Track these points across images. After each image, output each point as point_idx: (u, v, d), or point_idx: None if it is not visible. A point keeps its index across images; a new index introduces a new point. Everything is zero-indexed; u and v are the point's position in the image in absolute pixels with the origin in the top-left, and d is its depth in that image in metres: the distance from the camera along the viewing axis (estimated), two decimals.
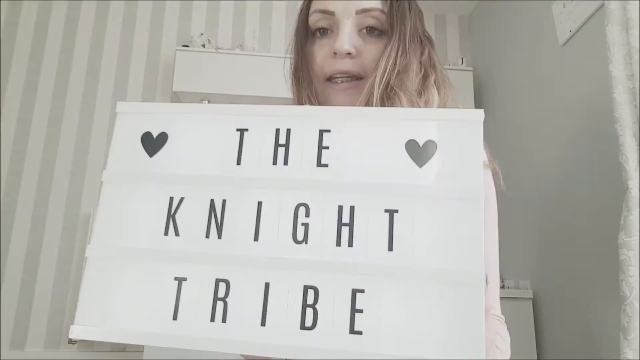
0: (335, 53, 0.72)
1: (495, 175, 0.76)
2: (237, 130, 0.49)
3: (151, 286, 0.46)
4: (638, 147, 1.34)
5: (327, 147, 0.47)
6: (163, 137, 0.50)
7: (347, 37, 0.72)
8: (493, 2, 2.63)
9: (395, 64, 0.72)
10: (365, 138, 0.47)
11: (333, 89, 0.74)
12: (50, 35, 2.68)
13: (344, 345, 0.42)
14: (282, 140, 0.48)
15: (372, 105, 0.69)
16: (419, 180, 0.45)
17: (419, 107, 0.70)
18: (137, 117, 0.51)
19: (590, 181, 1.75)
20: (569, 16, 1.90)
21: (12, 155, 2.51)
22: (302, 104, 0.78)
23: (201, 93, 2.49)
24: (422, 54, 0.75)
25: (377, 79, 0.70)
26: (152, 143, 0.50)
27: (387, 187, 0.45)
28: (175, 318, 0.44)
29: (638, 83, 1.34)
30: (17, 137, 2.53)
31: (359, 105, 0.71)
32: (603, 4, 1.55)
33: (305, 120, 0.48)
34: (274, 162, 0.47)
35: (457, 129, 0.46)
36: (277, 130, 0.48)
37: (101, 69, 2.67)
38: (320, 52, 0.75)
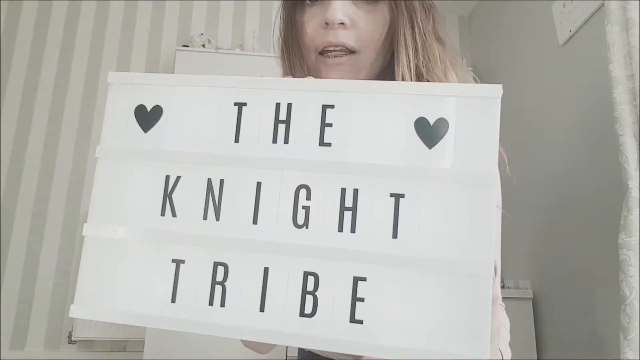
0: (326, 23, 0.64)
1: (500, 159, 0.72)
2: (235, 104, 0.46)
3: (149, 268, 0.45)
4: (638, 147, 1.34)
5: (330, 125, 0.44)
6: (157, 111, 0.48)
7: (339, 6, 0.64)
8: (493, 2, 2.63)
9: (416, 48, 0.65)
10: (371, 115, 0.44)
11: (325, 65, 0.67)
12: (50, 35, 2.68)
13: (343, 334, 0.41)
14: (282, 116, 0.45)
15: None
16: (428, 163, 0.42)
17: None
18: (129, 88, 0.49)
19: (590, 181, 1.74)
20: (569, 16, 1.90)
21: (12, 155, 2.51)
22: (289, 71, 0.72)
23: None
24: (430, 23, 0.68)
25: (406, 73, 0.64)
26: (146, 117, 0.48)
27: (393, 169, 0.43)
28: (173, 301, 0.44)
29: (638, 83, 1.34)
30: (17, 137, 2.53)
31: None
32: (603, 4, 1.55)
33: (307, 95, 0.45)
34: (274, 140, 0.45)
35: (472, 106, 0.42)
36: (278, 105, 0.46)
37: (101, 69, 2.67)
38: (311, 22, 0.67)
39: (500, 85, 0.42)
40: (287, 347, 1.85)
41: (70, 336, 2.28)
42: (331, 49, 0.65)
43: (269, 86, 0.46)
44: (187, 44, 2.61)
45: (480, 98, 0.42)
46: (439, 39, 0.69)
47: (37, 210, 2.46)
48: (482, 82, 0.70)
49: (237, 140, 0.46)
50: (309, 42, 0.68)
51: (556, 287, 1.93)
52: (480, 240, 0.40)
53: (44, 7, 2.71)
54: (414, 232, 0.41)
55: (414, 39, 0.65)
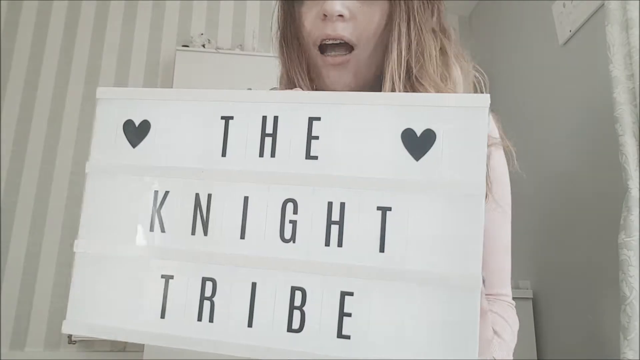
0: (325, 15, 0.62)
1: (508, 154, 0.70)
2: (222, 118, 0.46)
3: (139, 283, 0.45)
4: (638, 147, 1.34)
5: (316, 137, 0.44)
6: (145, 126, 0.48)
7: None
8: (493, 2, 2.63)
9: (409, 44, 0.63)
10: (357, 127, 0.44)
11: (324, 62, 0.65)
12: (50, 35, 2.68)
13: (331, 349, 0.41)
14: (269, 129, 0.45)
15: None
16: (415, 175, 0.42)
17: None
18: (117, 103, 0.49)
19: (590, 181, 1.74)
20: (569, 16, 1.90)
21: (12, 155, 2.51)
22: (290, 78, 0.70)
23: None
24: (432, 16, 0.66)
25: (395, 69, 0.62)
26: (135, 132, 0.48)
27: (380, 182, 0.42)
28: (163, 316, 0.44)
29: (638, 83, 1.34)
30: (17, 137, 2.53)
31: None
32: (603, 4, 1.55)
33: (293, 107, 0.45)
34: (261, 154, 0.45)
35: (459, 117, 0.42)
36: (264, 118, 0.45)
37: (101, 69, 2.67)
38: (309, 15, 0.65)
39: (488, 95, 0.42)
40: None
41: (70, 336, 2.28)
42: (329, 42, 0.64)
43: (256, 99, 0.46)
44: (187, 44, 2.61)
45: (467, 108, 0.42)
46: (443, 31, 0.68)
47: (37, 210, 2.46)
48: (482, 82, 0.69)
49: (224, 154, 0.46)
50: (307, 35, 0.66)
51: (556, 287, 1.93)
52: (469, 253, 0.40)
53: (44, 7, 2.71)
54: (402, 245, 0.41)
55: (409, 33, 0.63)
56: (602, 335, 1.63)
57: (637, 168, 1.33)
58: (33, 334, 2.34)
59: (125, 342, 2.36)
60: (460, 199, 0.41)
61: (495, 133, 0.69)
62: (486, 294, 0.68)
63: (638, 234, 1.31)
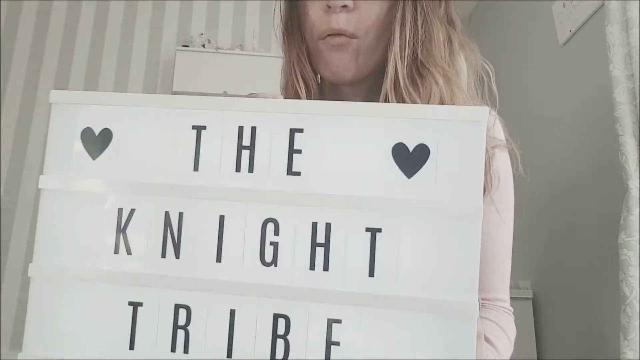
0: (329, 7, 0.61)
1: (513, 157, 0.68)
2: (193, 127, 0.42)
3: (103, 311, 0.41)
4: (638, 147, 1.34)
5: (299, 151, 0.40)
6: (107, 135, 0.43)
7: None
8: (493, 2, 2.63)
9: (415, 28, 0.62)
10: (344, 140, 0.40)
11: (326, 45, 0.63)
12: (50, 35, 2.68)
13: None
14: (246, 141, 0.41)
15: (399, 90, 0.59)
16: (407, 194, 0.39)
17: (455, 83, 0.60)
18: (74, 109, 0.44)
19: (590, 181, 1.74)
20: (569, 16, 1.90)
21: (12, 156, 2.51)
22: (291, 68, 0.68)
23: (201, 93, 2.50)
24: (440, 7, 0.65)
25: (397, 52, 0.60)
26: (94, 142, 0.43)
27: (369, 201, 0.39)
28: (132, 347, 0.40)
29: (638, 83, 1.34)
30: (17, 137, 2.53)
31: (383, 92, 0.61)
32: (603, 4, 1.55)
33: (273, 117, 0.41)
34: (237, 169, 0.41)
35: (455, 131, 0.39)
36: (241, 129, 0.41)
37: (101, 69, 2.67)
38: (313, 6, 0.64)
39: (487, 109, 0.40)
40: None
41: None
42: (334, 34, 0.62)
43: (231, 107, 0.42)
44: (187, 44, 2.62)
45: (464, 122, 0.39)
46: (449, 21, 0.66)
47: (37, 210, 2.45)
48: (489, 71, 0.68)
49: (196, 168, 0.41)
50: (310, 26, 0.65)
51: (556, 287, 1.93)
52: (464, 279, 0.38)
53: (44, 7, 2.71)
54: (393, 269, 0.38)
55: (415, 17, 0.62)
56: (602, 335, 1.63)
57: (637, 168, 1.33)
58: None
59: None
60: (455, 221, 0.38)
61: (501, 135, 0.68)
62: (482, 299, 0.66)
63: (638, 234, 1.31)
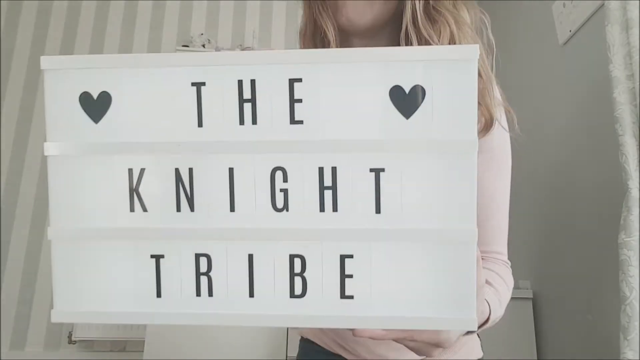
0: None
1: (509, 118, 0.73)
2: (193, 84, 0.42)
3: (128, 265, 0.43)
4: (638, 147, 1.34)
5: (299, 100, 0.42)
6: (106, 98, 0.43)
7: None
8: (493, 2, 2.63)
9: None
10: (343, 86, 0.42)
11: None
12: (50, 35, 2.68)
13: (336, 310, 0.41)
14: (246, 95, 0.42)
15: (417, 26, 0.63)
16: (407, 134, 0.41)
17: (465, 24, 0.65)
18: (69, 74, 0.43)
19: (590, 181, 1.74)
20: (569, 16, 1.90)
21: (12, 156, 2.51)
22: (310, 18, 0.71)
23: None
24: None
25: None
26: (94, 106, 0.43)
27: (371, 143, 0.41)
28: (159, 295, 0.42)
29: (638, 83, 1.34)
30: (17, 137, 2.53)
31: (403, 28, 0.64)
32: (603, 4, 1.55)
33: (271, 69, 0.42)
34: (241, 122, 0.42)
35: (448, 70, 0.41)
36: (240, 82, 0.42)
37: None
38: None
39: (477, 46, 0.41)
40: (286, 347, 1.85)
41: (70, 336, 2.28)
42: None
43: (228, 62, 0.43)
44: (187, 44, 2.62)
45: (456, 61, 0.41)
46: None
47: (37, 210, 2.46)
48: (486, 22, 0.73)
49: (200, 124, 0.43)
50: None
51: (556, 287, 1.92)
52: (463, 208, 0.41)
53: (44, 7, 2.71)
54: (397, 205, 0.41)
55: None
56: (602, 335, 1.63)
57: (637, 168, 1.33)
58: (33, 334, 2.34)
59: (126, 342, 2.36)
60: (452, 156, 0.41)
61: (497, 94, 0.71)
62: (482, 251, 0.69)
63: (638, 234, 1.31)
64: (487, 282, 0.65)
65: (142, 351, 1.86)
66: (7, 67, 2.60)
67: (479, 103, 0.62)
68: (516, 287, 2.08)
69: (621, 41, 1.40)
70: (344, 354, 0.77)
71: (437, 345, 0.48)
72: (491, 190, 0.71)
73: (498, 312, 0.63)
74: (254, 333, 1.86)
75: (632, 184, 1.33)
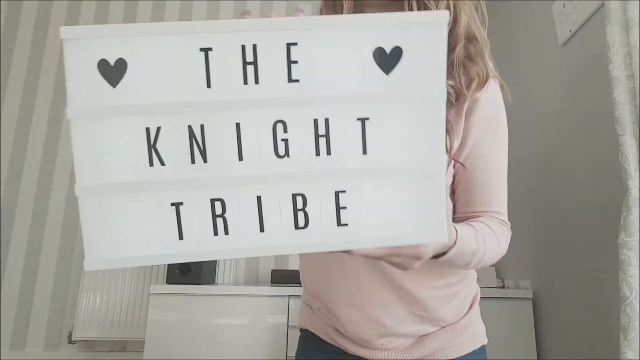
0: None
1: (502, 88, 0.78)
2: (201, 50, 0.47)
3: (151, 213, 0.48)
4: (638, 147, 1.34)
5: (295, 62, 0.48)
6: (122, 64, 0.47)
7: None
8: (493, 2, 2.63)
9: None
10: (332, 49, 0.48)
11: None
12: (50, 35, 2.68)
13: (334, 237, 0.49)
14: (249, 58, 0.47)
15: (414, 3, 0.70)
16: (387, 88, 0.48)
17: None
18: (87, 43, 0.47)
19: (590, 181, 1.74)
20: (569, 16, 1.90)
21: (12, 156, 2.51)
22: None
23: None
24: None
25: None
26: (112, 71, 0.47)
27: (357, 96, 0.48)
28: (181, 237, 0.48)
29: (638, 83, 1.34)
30: (17, 137, 2.53)
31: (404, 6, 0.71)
32: (603, 4, 1.55)
33: (270, 34, 0.47)
34: (245, 82, 0.48)
35: (420, 33, 0.48)
36: (243, 47, 0.47)
37: None
38: None
39: (447, 12, 0.48)
40: (286, 347, 1.85)
41: (70, 336, 2.28)
42: None
43: (232, 29, 0.47)
44: None
45: (428, 24, 0.48)
46: None
47: (37, 210, 2.45)
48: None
49: (209, 85, 0.48)
50: None
51: (556, 287, 1.92)
52: (433, 147, 0.49)
53: (44, 7, 2.71)
54: (381, 147, 0.49)
55: None
56: (602, 335, 1.63)
57: (637, 168, 1.33)
58: (33, 334, 2.34)
59: (126, 342, 2.36)
60: (426, 104, 0.49)
61: (490, 67, 0.77)
62: (482, 211, 0.77)
63: (638, 234, 1.31)
64: (469, 225, 0.72)
65: (142, 351, 1.86)
66: (7, 67, 2.60)
67: (475, 62, 0.72)
68: (516, 287, 2.08)
69: (621, 41, 1.40)
70: (339, 340, 0.81)
71: (418, 257, 0.57)
72: (488, 152, 0.77)
73: (473, 246, 0.69)
74: (254, 333, 1.86)
75: (632, 184, 1.33)
